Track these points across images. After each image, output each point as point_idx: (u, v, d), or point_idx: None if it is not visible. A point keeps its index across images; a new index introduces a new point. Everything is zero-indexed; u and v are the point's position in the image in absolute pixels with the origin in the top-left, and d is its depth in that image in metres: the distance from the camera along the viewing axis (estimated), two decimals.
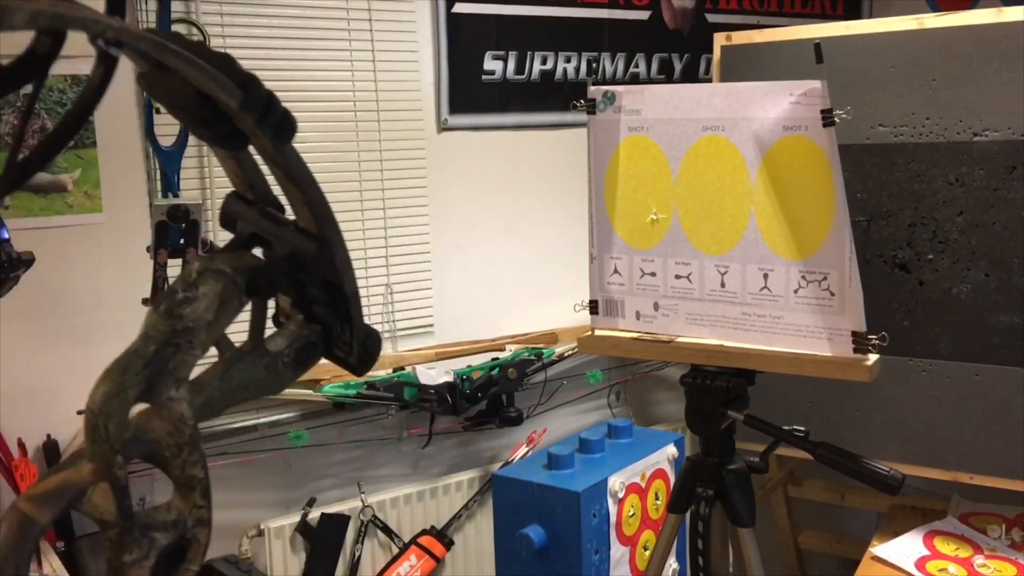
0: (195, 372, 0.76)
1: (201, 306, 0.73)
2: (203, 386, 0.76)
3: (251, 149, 0.80)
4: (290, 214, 0.83)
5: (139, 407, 0.71)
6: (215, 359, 0.81)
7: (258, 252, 0.84)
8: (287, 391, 2.33)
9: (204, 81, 0.69)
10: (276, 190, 0.84)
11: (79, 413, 2.33)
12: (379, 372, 2.49)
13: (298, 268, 0.80)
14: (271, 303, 0.84)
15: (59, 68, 2.14)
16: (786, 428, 1.61)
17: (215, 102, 0.71)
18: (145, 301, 1.95)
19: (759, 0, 3.11)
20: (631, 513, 2.30)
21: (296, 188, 0.78)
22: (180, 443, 0.70)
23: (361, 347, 0.84)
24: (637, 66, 2.93)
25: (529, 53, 2.73)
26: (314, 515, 2.41)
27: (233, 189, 0.85)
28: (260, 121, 0.73)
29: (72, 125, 0.70)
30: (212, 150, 0.85)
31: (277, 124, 0.74)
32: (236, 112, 0.72)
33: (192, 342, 0.72)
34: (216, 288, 0.74)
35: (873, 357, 1.54)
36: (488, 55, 2.67)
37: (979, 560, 2.03)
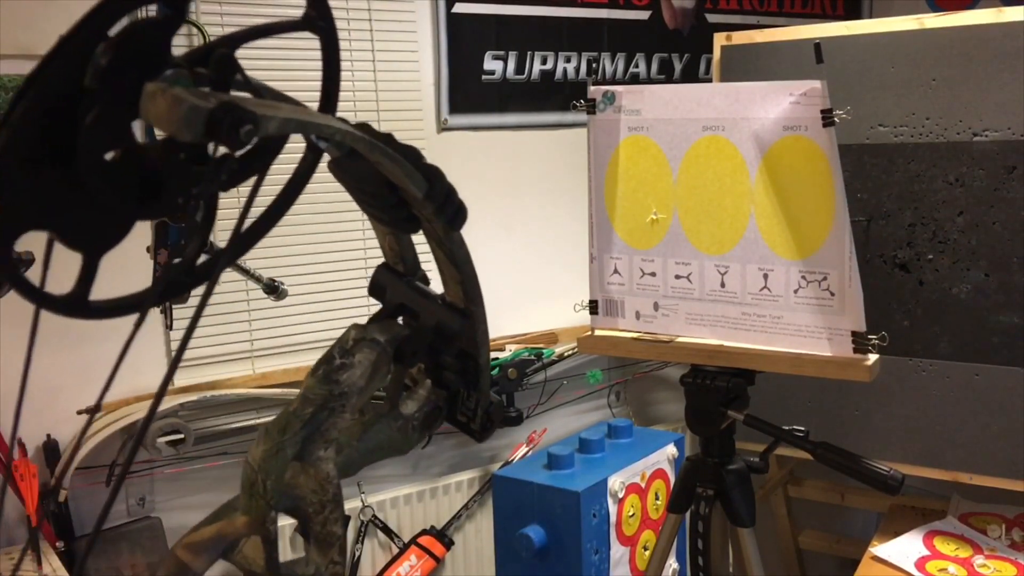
0: None
1: (356, 373, 0.78)
2: (342, 446, 0.80)
3: None
4: (435, 287, 0.91)
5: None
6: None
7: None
8: (286, 391, 2.34)
9: (395, 172, 0.76)
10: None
11: (79, 413, 2.33)
12: None
13: (441, 339, 0.87)
14: None
15: None
16: (786, 428, 1.61)
17: (398, 190, 0.78)
18: None
19: (759, 0, 3.11)
20: (631, 513, 2.30)
21: (455, 268, 0.86)
22: (324, 501, 0.75)
23: (484, 414, 0.91)
24: (637, 66, 2.93)
25: (529, 53, 2.73)
26: None
27: (383, 261, 0.93)
28: (439, 210, 0.80)
29: (285, 201, 0.78)
30: (373, 226, 0.91)
31: (453, 213, 0.82)
32: (418, 201, 0.79)
33: (345, 406, 0.77)
34: (371, 357, 0.79)
35: (873, 357, 1.54)
36: (488, 55, 2.67)
37: (979, 560, 2.03)
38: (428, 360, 0.90)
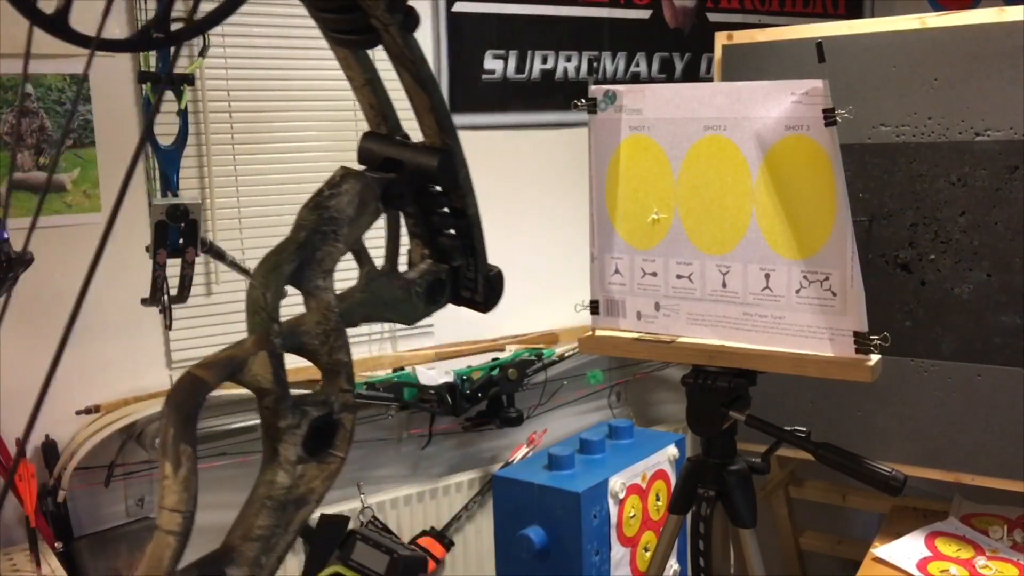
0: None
1: (344, 200, 0.80)
2: (346, 296, 0.82)
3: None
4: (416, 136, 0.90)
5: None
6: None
7: None
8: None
9: None
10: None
11: (78, 413, 2.32)
12: (378, 373, 2.49)
13: (425, 181, 0.87)
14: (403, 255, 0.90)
15: (58, 67, 2.14)
16: (787, 429, 1.61)
17: None
18: (144, 301, 1.94)
19: None
20: (632, 514, 2.30)
21: (422, 91, 0.85)
22: (327, 330, 0.76)
23: (485, 282, 0.90)
24: (638, 65, 2.92)
25: (529, 52, 2.72)
26: (313, 516, 2.40)
27: (367, 130, 0.93)
28: (391, 5, 0.80)
29: None
30: (350, 80, 0.91)
31: (405, 11, 0.81)
32: None
33: (337, 233, 0.78)
34: (356, 187, 0.81)
35: (875, 357, 1.53)
36: (488, 54, 2.66)
37: (981, 561, 2.02)
38: (422, 221, 0.89)
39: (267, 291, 0.73)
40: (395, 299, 0.87)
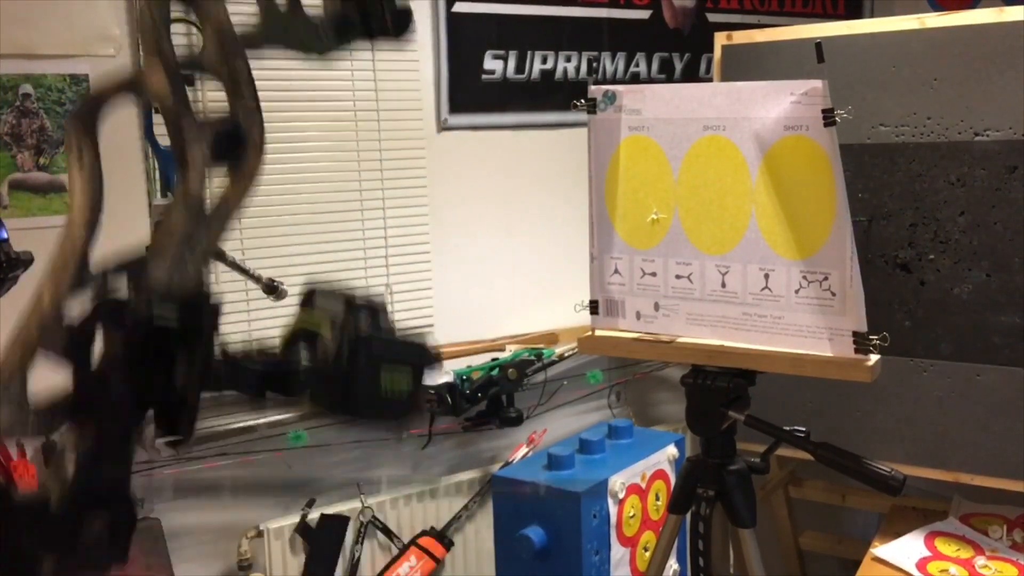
0: None
1: None
2: (246, 26, 0.82)
3: None
4: None
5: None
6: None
7: None
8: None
9: None
10: None
11: None
12: None
13: None
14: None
15: (58, 68, 2.14)
16: (787, 429, 1.61)
17: None
18: None
19: None
20: (631, 514, 2.30)
21: None
22: (224, 46, 0.77)
23: (392, 15, 0.88)
24: (638, 65, 2.92)
25: (529, 52, 2.72)
26: (313, 516, 2.41)
27: None
28: None
29: None
30: None
31: None
32: None
33: None
34: None
35: (874, 357, 1.54)
36: (488, 54, 2.66)
37: (980, 561, 2.02)
38: None
39: (152, 9, 0.77)
40: (299, 32, 0.87)
